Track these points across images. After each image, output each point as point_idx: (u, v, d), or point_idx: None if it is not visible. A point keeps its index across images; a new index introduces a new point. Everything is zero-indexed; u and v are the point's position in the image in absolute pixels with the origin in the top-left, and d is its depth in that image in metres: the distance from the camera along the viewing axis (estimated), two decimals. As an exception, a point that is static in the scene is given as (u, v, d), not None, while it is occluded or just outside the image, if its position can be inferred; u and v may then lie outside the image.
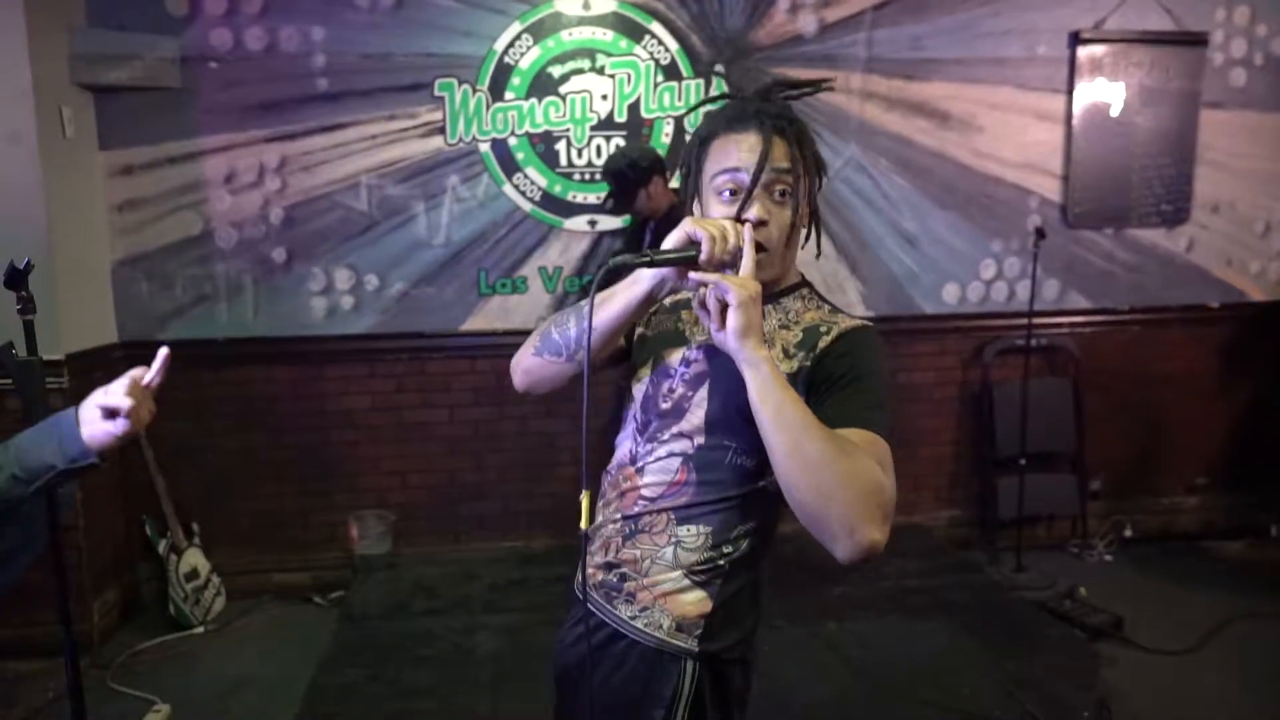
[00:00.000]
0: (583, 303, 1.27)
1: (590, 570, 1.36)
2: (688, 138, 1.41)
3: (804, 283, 1.36)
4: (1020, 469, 3.77)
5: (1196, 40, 3.88)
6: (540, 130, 3.61)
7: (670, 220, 2.60)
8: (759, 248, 1.21)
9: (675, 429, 1.31)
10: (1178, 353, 4.14)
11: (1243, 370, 4.18)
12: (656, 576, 1.28)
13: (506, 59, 3.55)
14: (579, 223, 3.70)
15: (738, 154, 1.25)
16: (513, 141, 3.61)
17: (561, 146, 3.63)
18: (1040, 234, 3.63)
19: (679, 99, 3.66)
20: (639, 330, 1.42)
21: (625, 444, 1.40)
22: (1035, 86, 3.85)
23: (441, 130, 3.57)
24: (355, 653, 2.96)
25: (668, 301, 1.38)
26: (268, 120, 3.47)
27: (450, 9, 3.49)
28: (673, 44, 3.62)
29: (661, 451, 1.32)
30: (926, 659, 2.81)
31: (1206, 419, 4.19)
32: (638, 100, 3.63)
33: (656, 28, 3.60)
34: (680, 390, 1.32)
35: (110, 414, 1.22)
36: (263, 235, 3.54)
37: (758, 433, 1.14)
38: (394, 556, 3.66)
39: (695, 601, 1.26)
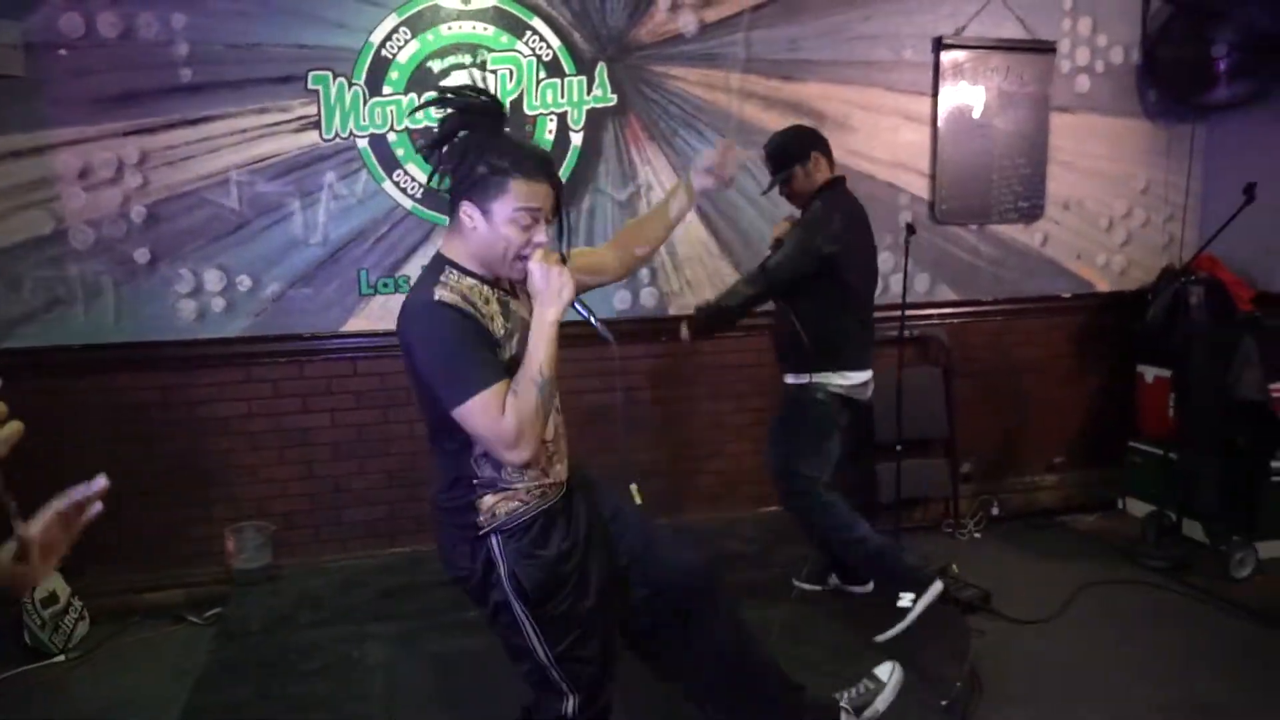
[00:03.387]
0: (534, 370, 1.74)
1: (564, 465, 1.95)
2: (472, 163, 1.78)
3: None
4: (897, 455, 3.94)
5: (1046, 48, 4.15)
6: (420, 126, 3.53)
7: (819, 198, 3.01)
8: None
9: None
10: (1036, 340, 4.43)
11: (1092, 355, 4.51)
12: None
13: (384, 52, 3.46)
14: (463, 220, 3.64)
15: (539, 199, 1.76)
16: (392, 137, 3.52)
17: (443, 143, 3.56)
18: (911, 230, 3.77)
19: (562, 95, 3.65)
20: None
21: (553, 419, 1.89)
22: (903, 89, 4.03)
23: (316, 125, 3.45)
24: (236, 670, 2.84)
25: (489, 308, 1.81)
26: (125, 112, 3.27)
27: (323, -1, 3.38)
28: (555, 40, 3.61)
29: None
30: (815, 640, 2.91)
31: (1062, 401, 4.50)
32: (520, 96, 3.61)
33: (538, 23, 3.58)
34: None
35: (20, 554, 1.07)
36: (123, 234, 3.33)
37: None
38: (275, 568, 3.52)
39: None
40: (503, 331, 1.78)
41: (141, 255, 3.36)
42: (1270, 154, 4.13)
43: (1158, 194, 4.45)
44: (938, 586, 2.93)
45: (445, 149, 1.80)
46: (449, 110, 1.80)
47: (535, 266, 1.76)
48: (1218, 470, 3.78)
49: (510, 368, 1.75)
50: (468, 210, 1.77)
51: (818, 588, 3.31)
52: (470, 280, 1.80)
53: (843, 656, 2.81)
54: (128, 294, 3.37)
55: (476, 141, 1.76)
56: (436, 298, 1.73)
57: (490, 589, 1.86)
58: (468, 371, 1.69)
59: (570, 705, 1.88)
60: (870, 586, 3.24)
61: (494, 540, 1.83)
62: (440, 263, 1.83)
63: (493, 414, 1.68)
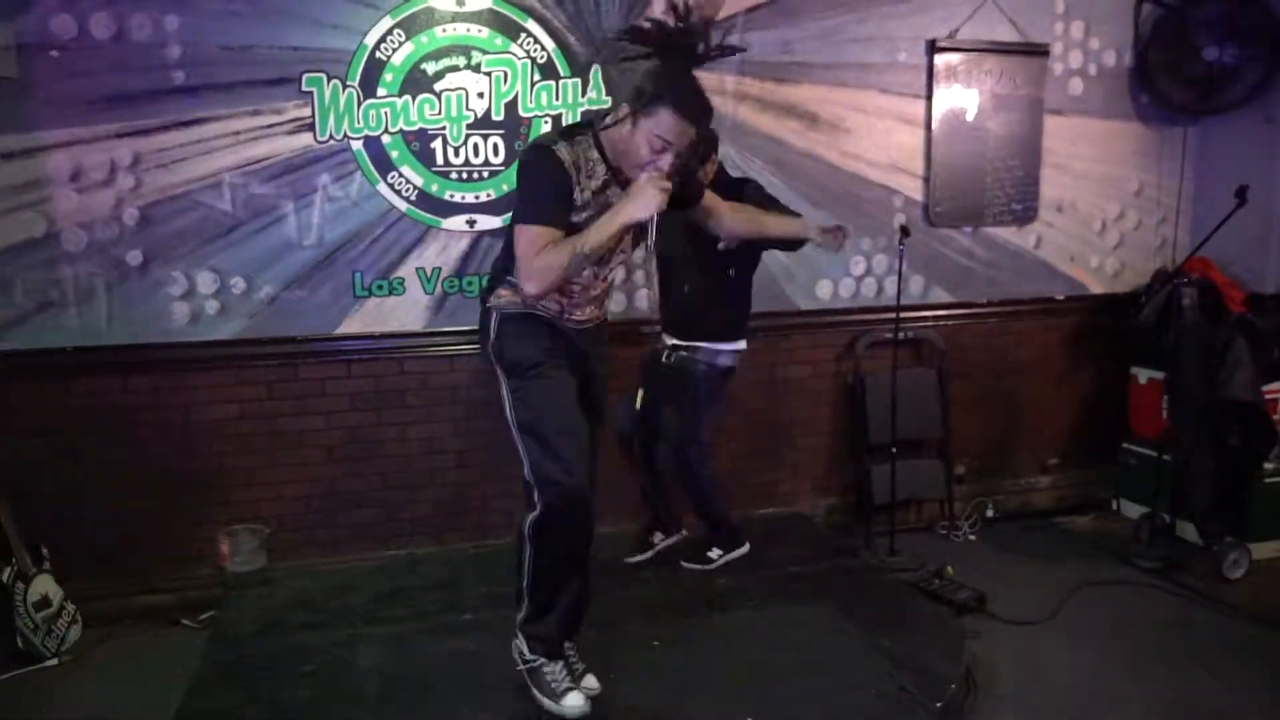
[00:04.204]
0: (582, 242, 2.16)
1: (584, 319, 2.44)
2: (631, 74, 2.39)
3: None
4: (892, 456, 3.95)
5: (1039, 51, 4.17)
6: (415, 128, 3.53)
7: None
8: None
9: (619, 253, 2.43)
10: (1030, 342, 4.44)
11: (1085, 357, 4.52)
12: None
13: (378, 54, 3.45)
14: (457, 222, 3.64)
15: (675, 133, 2.13)
16: (386, 139, 3.51)
17: (438, 145, 3.56)
18: (905, 232, 3.81)
19: (557, 98, 3.65)
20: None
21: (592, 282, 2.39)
22: (898, 91, 4.04)
23: (310, 127, 3.44)
24: (229, 674, 2.82)
25: (586, 183, 2.25)
26: (118, 114, 3.26)
27: (316, 0, 3.37)
28: (549, 43, 3.61)
29: (613, 265, 2.45)
30: (808, 643, 2.91)
31: (1056, 403, 4.51)
32: (515, 98, 3.60)
33: (533, 26, 3.58)
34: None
35: None
36: (115, 237, 3.32)
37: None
38: (269, 571, 3.50)
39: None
40: (584, 200, 2.23)
41: (134, 257, 3.35)
42: (1261, 157, 4.15)
43: (1150, 196, 4.47)
44: (745, 548, 3.54)
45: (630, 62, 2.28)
46: (647, 43, 2.16)
47: (645, 178, 2.15)
48: (1210, 471, 3.79)
49: (568, 231, 2.19)
50: (625, 111, 2.19)
51: (647, 555, 3.57)
52: (595, 154, 2.25)
53: (830, 662, 2.81)
54: (120, 296, 3.35)
55: (659, 70, 2.16)
56: (555, 146, 2.20)
57: (487, 354, 2.41)
58: (540, 206, 2.18)
59: (525, 469, 2.34)
60: (684, 533, 3.62)
61: (494, 316, 2.38)
62: (588, 128, 2.28)
63: (534, 246, 2.15)
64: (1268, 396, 3.84)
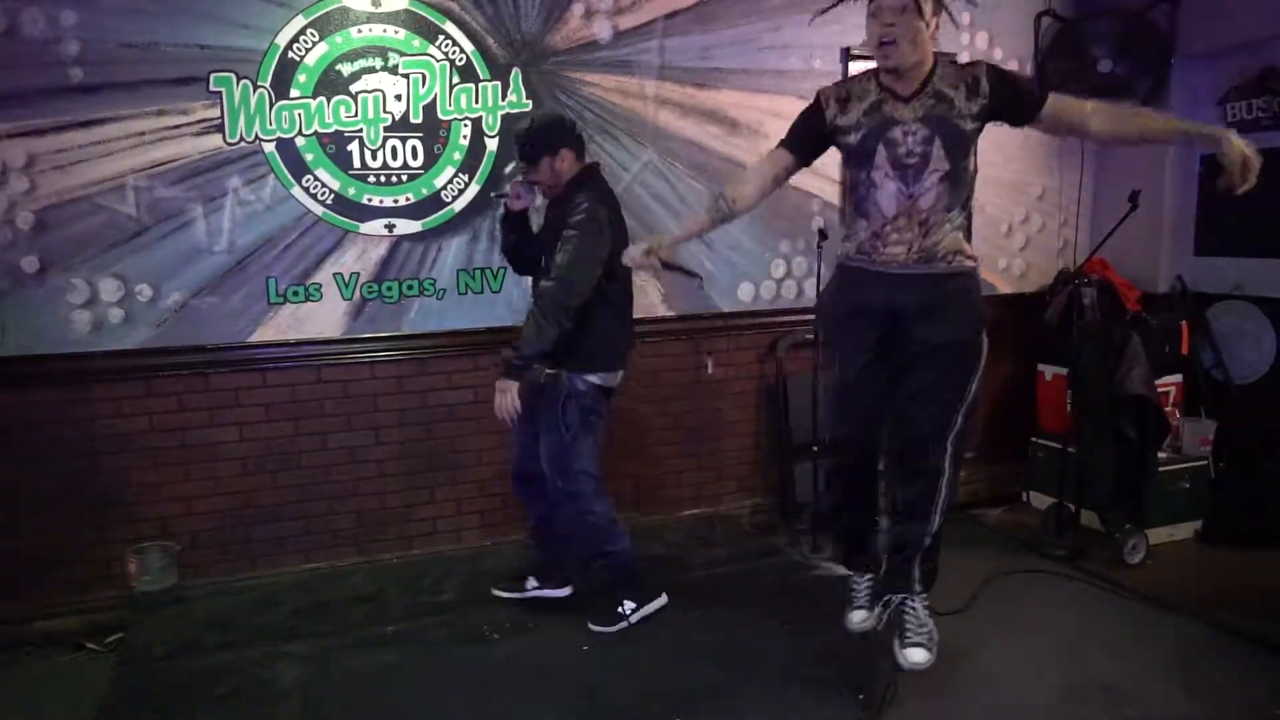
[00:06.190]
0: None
1: (904, 258, 2.48)
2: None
3: (938, 60, 2.45)
4: (814, 455, 4.03)
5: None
6: (330, 130, 3.45)
7: (563, 199, 2.96)
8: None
9: (931, 168, 2.40)
10: (943, 341, 4.57)
11: (995, 355, 4.64)
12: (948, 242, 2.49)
13: (291, 54, 3.37)
14: (376, 226, 3.57)
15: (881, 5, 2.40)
16: (300, 142, 3.42)
17: (354, 148, 3.49)
18: (823, 235, 3.90)
19: (476, 100, 3.62)
20: (837, 131, 2.50)
21: (891, 196, 2.44)
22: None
23: (220, 128, 3.33)
24: (140, 699, 2.71)
25: (857, 106, 2.47)
26: (9, 113, 3.09)
27: (224, -2, 3.27)
28: (468, 45, 3.57)
29: (927, 184, 2.41)
30: (736, 643, 2.95)
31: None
32: (433, 101, 3.56)
33: (451, 28, 3.54)
34: (920, 148, 2.39)
35: None
36: (9, 242, 3.15)
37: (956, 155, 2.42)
38: (181, 589, 3.37)
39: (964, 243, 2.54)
40: (850, 122, 2.45)
41: (30, 264, 3.18)
42: (1152, 163, 4.39)
43: (1052, 200, 4.67)
44: (662, 600, 3.15)
45: None
46: None
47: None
48: (1110, 462, 3.98)
49: (845, 151, 2.51)
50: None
51: (516, 595, 3.26)
52: (871, 84, 2.46)
53: (755, 658, 2.85)
54: (15, 305, 3.18)
55: None
56: (821, 87, 2.55)
57: None
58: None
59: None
60: (568, 590, 3.24)
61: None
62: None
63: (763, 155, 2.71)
64: (1160, 390, 4.06)
